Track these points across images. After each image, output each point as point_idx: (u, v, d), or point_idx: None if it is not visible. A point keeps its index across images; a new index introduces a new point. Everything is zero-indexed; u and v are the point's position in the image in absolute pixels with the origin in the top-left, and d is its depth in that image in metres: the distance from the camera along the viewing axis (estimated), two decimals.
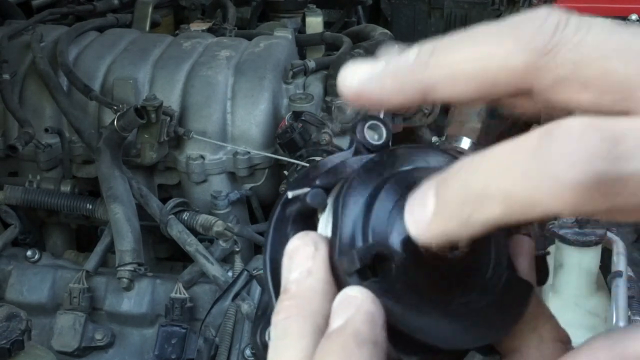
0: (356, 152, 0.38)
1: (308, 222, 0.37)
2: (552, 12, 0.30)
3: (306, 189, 0.36)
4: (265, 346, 0.36)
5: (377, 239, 0.34)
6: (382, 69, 0.33)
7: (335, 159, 0.38)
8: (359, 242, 0.34)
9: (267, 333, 0.36)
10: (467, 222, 0.30)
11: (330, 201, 0.36)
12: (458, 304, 0.34)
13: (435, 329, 0.33)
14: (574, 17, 0.31)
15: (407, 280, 0.34)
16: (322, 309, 0.34)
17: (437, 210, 0.31)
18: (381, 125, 0.38)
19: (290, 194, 0.37)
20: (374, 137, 0.38)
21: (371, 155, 0.38)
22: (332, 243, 0.35)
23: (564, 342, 0.37)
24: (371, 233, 0.34)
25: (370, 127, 0.38)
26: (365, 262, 0.33)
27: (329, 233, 0.36)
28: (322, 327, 0.34)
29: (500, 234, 0.36)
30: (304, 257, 0.35)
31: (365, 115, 0.38)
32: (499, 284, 0.35)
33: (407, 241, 0.33)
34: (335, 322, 0.33)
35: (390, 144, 0.38)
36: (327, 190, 0.37)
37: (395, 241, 0.34)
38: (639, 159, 0.27)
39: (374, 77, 0.33)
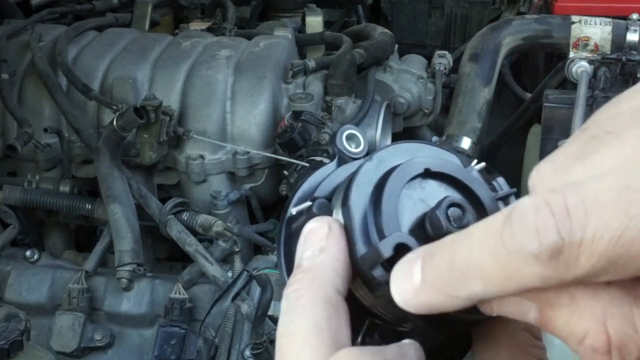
0: (340, 163, 0.40)
1: None
2: (538, 206, 0.30)
3: (308, 203, 0.38)
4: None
5: (391, 232, 0.35)
6: (421, 283, 0.34)
7: (322, 172, 0.39)
8: (375, 237, 0.35)
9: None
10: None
11: (336, 209, 0.37)
12: None
13: None
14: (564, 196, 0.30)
15: None
16: (334, 283, 0.35)
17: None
18: (358, 134, 0.40)
19: (293, 211, 0.38)
20: (352, 145, 0.40)
21: (359, 161, 0.39)
22: (350, 241, 0.36)
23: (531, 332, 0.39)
24: (385, 227, 0.35)
25: (348, 138, 0.40)
26: (390, 253, 0.34)
27: None
28: (333, 300, 0.35)
29: None
30: (317, 237, 0.36)
31: (340, 127, 0.40)
32: None
33: (419, 230, 0.36)
34: None
35: (368, 151, 0.40)
36: (329, 200, 0.38)
37: (408, 231, 0.36)
38: (590, 227, 0.29)
39: (419, 292, 0.34)
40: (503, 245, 0.30)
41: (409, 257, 0.34)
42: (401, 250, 0.35)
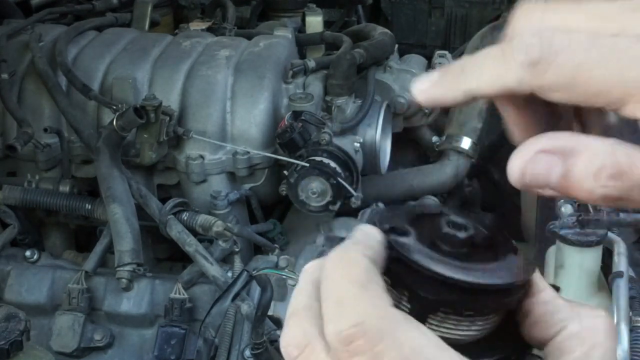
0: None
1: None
2: (533, 34, 0.44)
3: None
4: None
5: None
6: (437, 79, 0.48)
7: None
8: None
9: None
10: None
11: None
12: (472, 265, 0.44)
13: (461, 271, 0.43)
14: (553, 34, 0.44)
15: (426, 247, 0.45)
16: (378, 252, 0.45)
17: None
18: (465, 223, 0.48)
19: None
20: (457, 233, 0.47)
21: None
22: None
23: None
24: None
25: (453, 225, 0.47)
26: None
27: None
28: (375, 262, 0.44)
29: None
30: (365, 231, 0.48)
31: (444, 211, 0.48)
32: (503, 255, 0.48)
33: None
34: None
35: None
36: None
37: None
38: (562, 55, 0.43)
39: (432, 85, 0.49)
40: (502, 53, 0.45)
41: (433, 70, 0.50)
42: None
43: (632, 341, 1.01)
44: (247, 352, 1.39)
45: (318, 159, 1.64)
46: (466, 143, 2.02)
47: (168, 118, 1.64)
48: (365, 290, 0.43)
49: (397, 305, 0.44)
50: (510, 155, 0.44)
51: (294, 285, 1.26)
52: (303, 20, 2.44)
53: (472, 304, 0.43)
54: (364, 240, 0.46)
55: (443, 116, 2.11)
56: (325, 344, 0.43)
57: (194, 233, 1.57)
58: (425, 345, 0.42)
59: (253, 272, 1.28)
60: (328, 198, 1.64)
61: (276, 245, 1.69)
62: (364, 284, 0.43)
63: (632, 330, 1.03)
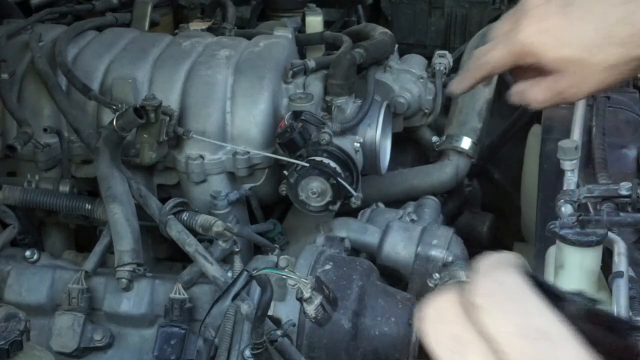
0: None
1: None
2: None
3: None
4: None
5: None
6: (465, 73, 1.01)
7: None
8: None
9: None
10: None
11: None
12: None
13: None
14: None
15: None
16: None
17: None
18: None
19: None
20: None
21: None
22: None
23: None
24: None
25: None
26: None
27: None
28: None
29: None
30: None
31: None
32: None
33: None
34: None
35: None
36: None
37: None
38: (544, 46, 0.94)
39: (462, 79, 1.01)
40: (505, 47, 0.93)
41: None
42: None
43: None
44: (247, 352, 1.39)
45: (318, 159, 1.64)
46: (466, 143, 2.03)
47: (168, 118, 1.64)
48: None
49: None
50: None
51: (294, 285, 1.26)
52: (303, 20, 2.44)
53: None
54: None
55: (443, 116, 2.11)
56: None
57: (194, 233, 1.57)
58: None
59: (253, 272, 1.28)
60: (328, 198, 1.64)
61: (276, 245, 1.69)
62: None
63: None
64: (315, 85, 1.81)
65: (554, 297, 0.47)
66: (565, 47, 0.96)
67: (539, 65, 0.96)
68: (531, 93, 1.02)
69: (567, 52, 0.96)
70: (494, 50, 0.99)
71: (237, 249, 1.56)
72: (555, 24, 0.96)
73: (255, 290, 1.44)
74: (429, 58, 2.13)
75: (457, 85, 1.08)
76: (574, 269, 1.17)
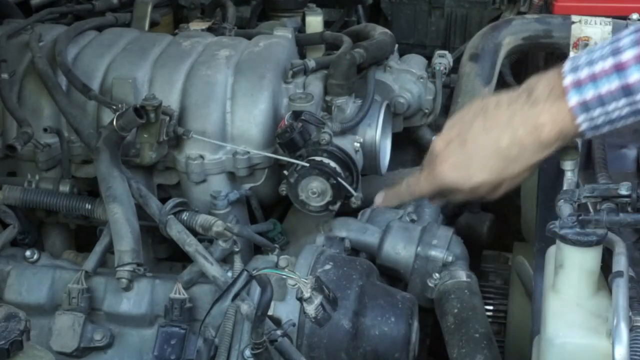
0: None
1: None
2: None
3: None
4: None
5: None
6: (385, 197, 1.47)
7: None
8: None
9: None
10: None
11: None
12: None
13: None
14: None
15: None
16: None
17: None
18: None
19: None
20: None
21: None
22: None
23: None
24: None
25: None
26: None
27: None
28: None
29: None
30: None
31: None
32: None
33: None
34: None
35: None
36: None
37: None
38: (449, 177, 1.31)
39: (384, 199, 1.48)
40: (427, 184, 1.31)
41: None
42: None
43: (632, 341, 1.01)
44: (247, 352, 1.39)
45: (318, 159, 1.64)
46: None
47: (168, 118, 1.64)
48: None
49: None
50: None
51: (294, 285, 1.26)
52: (303, 20, 2.44)
53: None
54: None
55: (443, 116, 2.11)
56: None
57: (194, 233, 1.57)
58: None
59: (253, 272, 1.28)
60: (328, 198, 1.64)
61: (276, 245, 1.69)
62: None
63: (632, 330, 1.03)
64: (315, 85, 1.81)
65: None
66: (473, 177, 1.24)
67: (459, 190, 1.29)
68: (453, 198, 1.35)
69: (476, 179, 1.24)
70: (421, 184, 1.33)
71: (237, 249, 1.56)
72: (460, 162, 1.25)
73: (255, 290, 1.45)
74: (429, 58, 2.13)
75: (382, 201, 1.47)
76: (574, 268, 1.17)
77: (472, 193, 1.28)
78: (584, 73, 1.12)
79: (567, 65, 1.16)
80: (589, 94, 1.12)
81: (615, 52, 1.09)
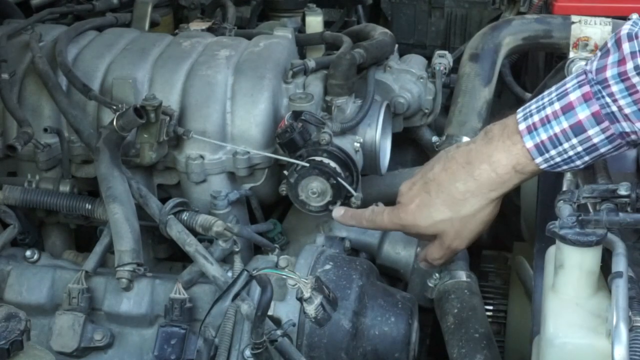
0: None
1: None
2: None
3: None
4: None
5: None
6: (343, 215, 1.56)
7: None
8: None
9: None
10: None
11: None
12: None
13: None
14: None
15: None
16: None
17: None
18: None
19: None
20: None
21: None
22: None
23: None
24: None
25: None
26: None
27: None
28: None
29: None
30: None
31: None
32: None
33: None
34: None
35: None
36: None
37: None
38: (407, 219, 1.44)
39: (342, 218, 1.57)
40: (389, 218, 1.43)
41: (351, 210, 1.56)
42: None
43: (632, 341, 1.01)
44: (247, 352, 1.39)
45: (318, 159, 1.64)
46: None
47: (168, 118, 1.64)
48: None
49: None
50: None
51: (294, 285, 1.26)
52: (303, 20, 2.44)
53: None
54: None
55: (443, 116, 2.11)
56: None
57: (194, 233, 1.57)
58: None
59: (253, 272, 1.28)
60: (328, 198, 1.64)
61: (276, 245, 1.69)
62: None
63: (631, 330, 1.03)
64: (315, 85, 1.81)
65: None
66: (433, 214, 1.35)
67: (421, 233, 1.40)
68: (430, 254, 1.46)
69: (435, 217, 1.35)
70: (384, 218, 1.44)
71: (237, 249, 1.57)
72: (422, 202, 1.36)
73: (255, 290, 1.45)
74: (429, 58, 2.13)
75: (342, 217, 1.54)
76: (574, 269, 1.17)
77: (433, 232, 1.39)
78: (535, 118, 1.25)
79: (519, 113, 1.28)
80: (543, 136, 1.24)
81: (562, 95, 1.22)
